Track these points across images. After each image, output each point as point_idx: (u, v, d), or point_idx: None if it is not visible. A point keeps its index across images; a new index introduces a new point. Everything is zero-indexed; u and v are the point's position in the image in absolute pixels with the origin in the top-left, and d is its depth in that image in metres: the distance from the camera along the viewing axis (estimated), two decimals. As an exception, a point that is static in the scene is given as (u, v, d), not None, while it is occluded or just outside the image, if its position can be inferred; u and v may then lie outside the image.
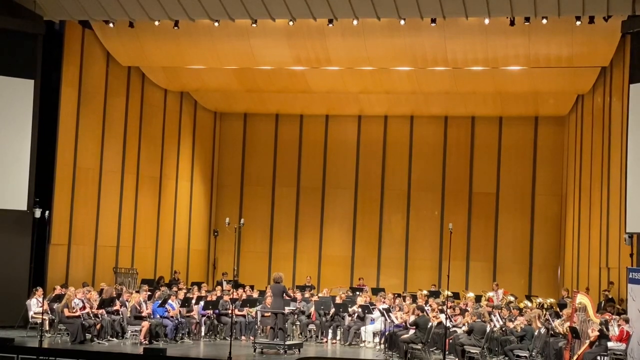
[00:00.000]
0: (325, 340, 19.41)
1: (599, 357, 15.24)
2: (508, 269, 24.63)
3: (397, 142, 25.69)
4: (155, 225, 24.33)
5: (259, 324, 19.43)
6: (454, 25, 19.45)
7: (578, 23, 18.43)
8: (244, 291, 21.12)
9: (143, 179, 23.79)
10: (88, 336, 17.56)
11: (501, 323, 17.65)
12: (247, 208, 26.48)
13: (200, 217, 26.08)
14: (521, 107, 24.07)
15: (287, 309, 18.41)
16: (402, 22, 19.09)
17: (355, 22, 19.41)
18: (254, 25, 19.81)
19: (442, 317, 17.64)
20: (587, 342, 15.37)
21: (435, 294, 21.27)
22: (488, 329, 16.89)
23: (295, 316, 19.79)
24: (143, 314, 18.25)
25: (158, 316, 18.30)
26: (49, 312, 18.12)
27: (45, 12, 20.09)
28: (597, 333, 15.28)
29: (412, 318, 17.51)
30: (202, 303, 19.36)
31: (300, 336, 19.67)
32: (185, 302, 19.03)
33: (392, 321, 17.96)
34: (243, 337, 19.23)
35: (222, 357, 15.80)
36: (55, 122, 21.00)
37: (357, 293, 21.33)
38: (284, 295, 17.61)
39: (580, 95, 22.76)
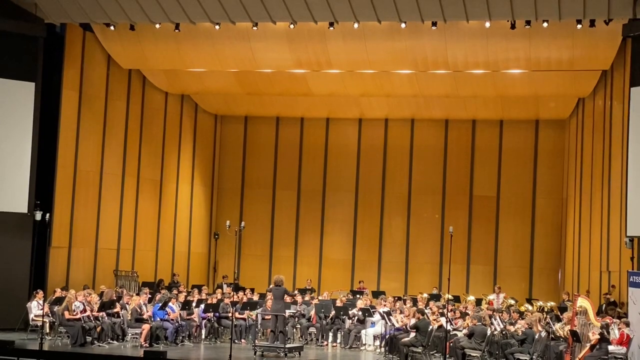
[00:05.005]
0: (325, 343, 19.40)
1: (599, 361, 15.26)
2: (508, 273, 24.58)
3: (397, 145, 25.66)
4: (156, 228, 24.32)
5: (259, 326, 19.43)
6: (454, 28, 19.46)
7: (579, 26, 18.43)
8: (245, 294, 21.12)
9: (144, 181, 23.78)
10: (88, 339, 17.59)
11: (502, 326, 17.62)
12: (248, 211, 26.46)
13: (200, 220, 26.06)
14: (522, 110, 24.05)
15: (287, 312, 18.41)
16: (403, 25, 19.10)
17: (356, 25, 19.41)
18: (255, 28, 19.82)
19: (443, 320, 17.62)
20: (588, 345, 15.36)
21: (435, 297, 21.26)
22: (489, 333, 16.88)
23: (296, 319, 19.78)
24: (144, 317, 18.24)
25: (158, 319, 18.30)
26: (50, 314, 18.12)
27: (47, 15, 20.11)
28: (598, 336, 15.26)
29: (412, 321, 17.52)
30: (202, 306, 19.37)
31: (300, 339, 19.67)
32: (186, 305, 19.02)
33: (393, 324, 17.96)
34: (243, 340, 19.23)
35: (223, 360, 15.85)
36: (56, 124, 21.01)
37: (358, 296, 21.31)
38: (286, 296, 17.56)
39: (581, 98, 22.75)
